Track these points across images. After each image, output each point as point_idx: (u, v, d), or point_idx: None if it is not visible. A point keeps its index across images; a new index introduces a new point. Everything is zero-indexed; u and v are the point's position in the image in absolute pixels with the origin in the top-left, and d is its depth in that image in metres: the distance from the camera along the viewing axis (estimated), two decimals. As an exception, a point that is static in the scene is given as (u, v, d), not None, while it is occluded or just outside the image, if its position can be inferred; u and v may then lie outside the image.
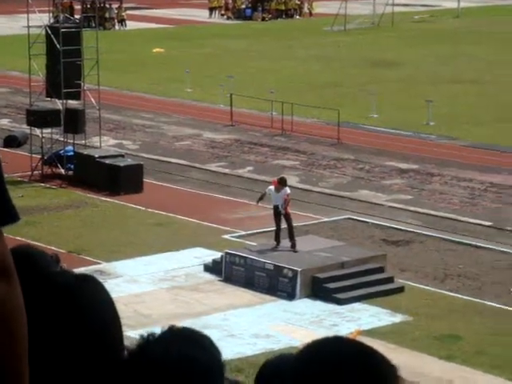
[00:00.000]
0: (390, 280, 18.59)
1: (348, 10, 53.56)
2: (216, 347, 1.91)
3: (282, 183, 19.17)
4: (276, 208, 19.03)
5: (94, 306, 1.91)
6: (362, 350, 1.80)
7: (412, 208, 23.27)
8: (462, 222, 22.27)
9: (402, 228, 21.77)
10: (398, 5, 58.07)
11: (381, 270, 18.80)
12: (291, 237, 18.88)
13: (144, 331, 1.93)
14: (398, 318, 17.17)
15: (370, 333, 16.41)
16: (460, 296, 18.14)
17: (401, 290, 18.30)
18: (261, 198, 19.53)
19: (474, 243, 20.80)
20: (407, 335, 16.45)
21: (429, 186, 25.16)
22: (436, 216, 22.67)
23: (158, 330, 1.93)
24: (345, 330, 16.60)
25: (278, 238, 19.02)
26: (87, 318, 1.89)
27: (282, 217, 18.99)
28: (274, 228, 19.18)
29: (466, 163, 27.02)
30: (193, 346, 1.86)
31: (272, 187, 19.23)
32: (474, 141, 29.35)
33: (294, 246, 18.90)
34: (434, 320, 17.04)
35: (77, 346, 1.88)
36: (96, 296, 1.94)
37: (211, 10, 61.04)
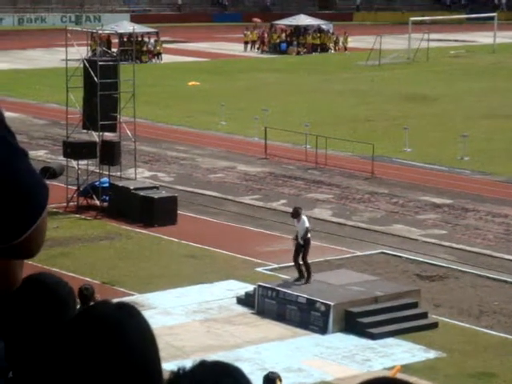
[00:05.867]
0: (423, 315, 18.44)
1: (383, 44, 53.65)
2: (247, 378, 1.91)
3: (294, 215, 19.10)
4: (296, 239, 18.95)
5: (135, 337, 1.89)
6: None
7: (446, 243, 23.09)
8: (497, 258, 22.07)
9: (437, 263, 21.61)
10: (433, 40, 58.04)
11: (414, 305, 18.66)
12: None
13: (176, 363, 1.93)
14: (431, 354, 16.99)
15: (403, 369, 16.25)
16: (495, 333, 17.92)
17: (435, 325, 18.14)
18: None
19: (509, 280, 20.58)
20: (441, 372, 16.27)
21: (463, 221, 24.98)
22: (471, 252, 22.48)
23: (189, 363, 1.93)
24: (377, 365, 16.46)
25: (301, 273, 19.01)
26: (129, 350, 1.87)
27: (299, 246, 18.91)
28: (294, 264, 19.07)
29: (501, 198, 26.82)
30: (223, 378, 1.86)
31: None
32: (509, 176, 29.15)
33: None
34: (469, 357, 16.85)
35: (119, 378, 1.86)
36: (137, 326, 1.91)
37: (246, 43, 61.44)
